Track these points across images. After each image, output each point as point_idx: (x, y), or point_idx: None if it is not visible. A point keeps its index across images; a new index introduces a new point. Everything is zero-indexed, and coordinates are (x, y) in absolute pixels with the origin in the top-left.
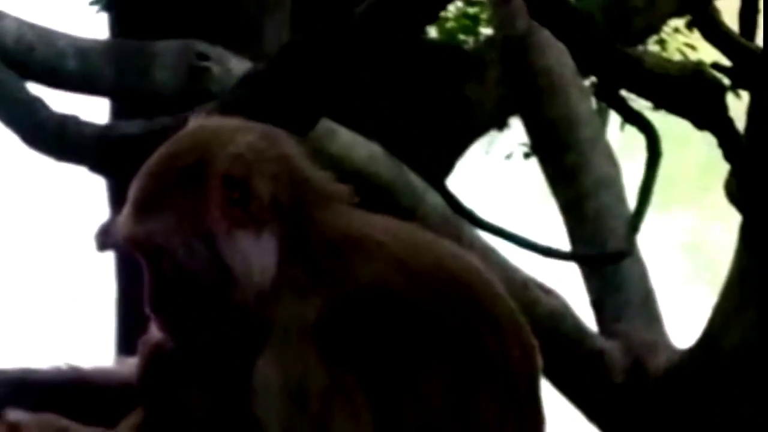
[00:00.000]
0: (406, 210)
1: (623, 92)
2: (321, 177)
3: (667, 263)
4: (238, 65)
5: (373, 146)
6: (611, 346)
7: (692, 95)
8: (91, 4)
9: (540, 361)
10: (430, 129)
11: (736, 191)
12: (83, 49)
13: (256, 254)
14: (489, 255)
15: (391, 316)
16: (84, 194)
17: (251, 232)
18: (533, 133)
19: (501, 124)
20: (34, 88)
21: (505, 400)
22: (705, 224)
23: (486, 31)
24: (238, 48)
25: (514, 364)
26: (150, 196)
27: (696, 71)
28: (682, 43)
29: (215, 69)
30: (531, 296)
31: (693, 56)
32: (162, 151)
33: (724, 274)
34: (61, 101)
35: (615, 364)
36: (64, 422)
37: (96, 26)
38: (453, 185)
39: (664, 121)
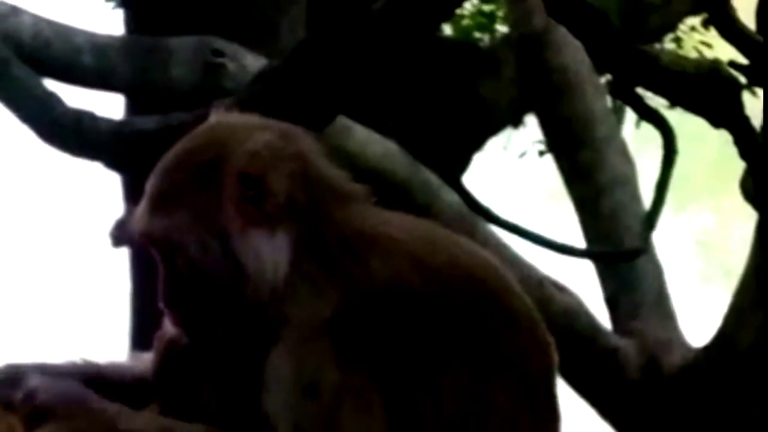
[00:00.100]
0: (421, 207)
1: (639, 90)
2: (337, 175)
3: (682, 261)
4: (254, 62)
5: (389, 143)
6: (626, 344)
7: (708, 93)
8: (107, 0)
9: (556, 358)
10: (445, 126)
11: (752, 189)
12: (99, 45)
13: (270, 252)
14: (504, 252)
15: (407, 313)
16: (99, 190)
17: (266, 230)
18: (549, 130)
19: (516, 122)
20: (51, 84)
21: (521, 398)
22: (720, 222)
23: (502, 28)
24: (254, 44)
25: (529, 361)
26: (166, 193)
27: (712, 69)
28: (698, 41)
29: (230, 65)
30: (546, 294)
31: (709, 54)
32: (178, 147)
33: (739, 272)
34: (77, 97)
35: (629, 361)
36: (81, 389)
37: (112, 22)
38: (467, 183)
39: (679, 119)
